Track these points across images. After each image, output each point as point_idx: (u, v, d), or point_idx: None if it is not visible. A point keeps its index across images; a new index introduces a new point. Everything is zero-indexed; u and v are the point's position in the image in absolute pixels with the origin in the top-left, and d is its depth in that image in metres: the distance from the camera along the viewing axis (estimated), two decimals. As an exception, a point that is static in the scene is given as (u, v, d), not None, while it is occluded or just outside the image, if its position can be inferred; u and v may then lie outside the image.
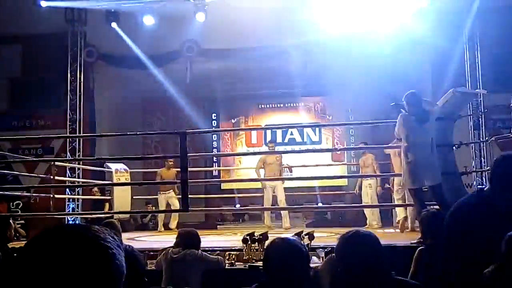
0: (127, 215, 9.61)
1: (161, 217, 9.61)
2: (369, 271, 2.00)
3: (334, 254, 3.36)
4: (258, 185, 11.28)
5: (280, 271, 2.12)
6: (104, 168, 9.82)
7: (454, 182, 5.87)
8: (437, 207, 5.37)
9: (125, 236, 7.79)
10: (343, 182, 12.06)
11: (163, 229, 9.33)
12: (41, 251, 0.86)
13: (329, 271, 3.02)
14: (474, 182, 9.46)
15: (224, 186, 12.84)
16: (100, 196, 10.19)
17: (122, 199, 9.21)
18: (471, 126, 9.61)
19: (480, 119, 9.60)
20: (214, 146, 13.45)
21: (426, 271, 3.07)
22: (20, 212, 10.18)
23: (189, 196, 6.32)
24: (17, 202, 10.73)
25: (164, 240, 6.58)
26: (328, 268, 3.04)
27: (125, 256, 2.08)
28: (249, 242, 5.13)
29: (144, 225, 10.76)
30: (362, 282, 2.00)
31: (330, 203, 10.64)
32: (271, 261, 2.18)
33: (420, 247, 3.35)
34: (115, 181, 9.19)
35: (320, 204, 10.43)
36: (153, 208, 10.16)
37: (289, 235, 5.31)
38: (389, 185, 8.58)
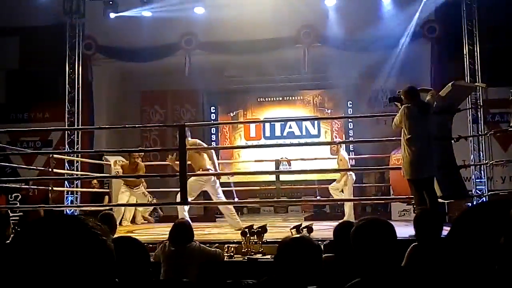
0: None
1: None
2: (383, 261, 1.97)
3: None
4: (257, 178, 11.30)
5: (294, 266, 2.07)
6: (103, 160, 9.81)
7: (452, 175, 5.89)
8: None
9: (123, 229, 7.82)
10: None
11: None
12: (31, 240, 0.86)
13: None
14: (473, 176, 9.47)
15: (222, 179, 12.80)
16: (99, 188, 10.18)
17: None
18: (469, 120, 9.60)
19: (478, 112, 9.59)
20: (213, 139, 13.42)
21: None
22: (18, 204, 10.17)
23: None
24: (16, 194, 10.74)
25: (162, 232, 6.58)
26: None
27: (132, 248, 2.09)
28: (248, 235, 5.16)
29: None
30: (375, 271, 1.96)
31: (329, 197, 10.63)
32: (286, 255, 2.12)
33: (415, 244, 3.33)
34: (113, 174, 9.18)
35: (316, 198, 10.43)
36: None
37: (287, 227, 5.33)
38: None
